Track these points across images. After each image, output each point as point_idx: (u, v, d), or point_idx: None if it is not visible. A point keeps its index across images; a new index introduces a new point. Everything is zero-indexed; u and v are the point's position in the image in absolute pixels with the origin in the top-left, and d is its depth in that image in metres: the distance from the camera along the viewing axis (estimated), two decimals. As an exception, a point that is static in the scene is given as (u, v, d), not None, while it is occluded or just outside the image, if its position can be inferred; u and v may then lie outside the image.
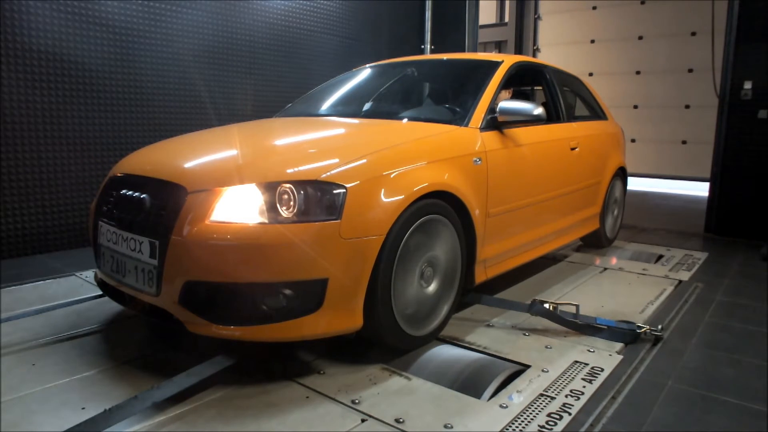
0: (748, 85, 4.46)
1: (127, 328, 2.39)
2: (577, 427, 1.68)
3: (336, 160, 1.98)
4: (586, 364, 2.09)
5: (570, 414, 1.74)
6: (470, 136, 2.51)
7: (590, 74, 8.65)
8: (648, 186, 8.09)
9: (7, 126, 3.41)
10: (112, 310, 2.56)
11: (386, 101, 3.26)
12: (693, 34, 7.72)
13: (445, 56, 3.41)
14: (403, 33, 6.40)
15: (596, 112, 4.08)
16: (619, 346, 2.27)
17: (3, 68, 3.36)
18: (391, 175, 2.02)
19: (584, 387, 1.91)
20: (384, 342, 2.07)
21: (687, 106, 7.95)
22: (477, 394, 1.86)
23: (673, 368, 2.12)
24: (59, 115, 3.63)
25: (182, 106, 4.32)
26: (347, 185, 1.89)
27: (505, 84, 2.94)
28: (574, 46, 8.90)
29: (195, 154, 2.26)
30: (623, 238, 4.50)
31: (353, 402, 1.78)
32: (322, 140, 2.47)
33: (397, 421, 1.67)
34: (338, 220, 1.83)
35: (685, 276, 3.40)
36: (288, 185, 1.85)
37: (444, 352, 2.20)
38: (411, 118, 2.71)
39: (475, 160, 2.44)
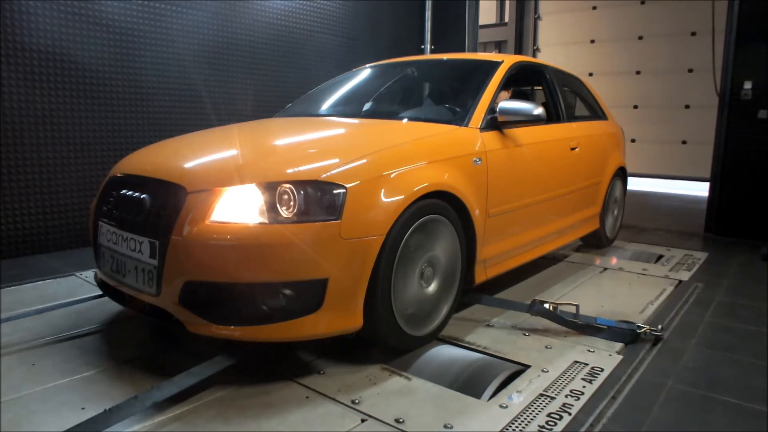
0: (748, 85, 4.46)
1: (127, 328, 2.39)
2: (577, 427, 1.68)
3: (336, 160, 1.98)
4: (586, 364, 2.09)
5: (570, 414, 1.74)
6: (470, 136, 2.51)
7: (590, 74, 8.64)
8: (648, 186, 8.09)
9: (7, 126, 3.41)
10: (112, 310, 2.56)
11: (386, 101, 3.26)
12: (693, 34, 7.72)
13: (445, 56, 3.41)
14: (403, 33, 6.40)
15: (596, 112, 4.08)
16: (619, 346, 2.27)
17: (3, 68, 3.36)
18: (391, 175, 2.02)
19: (584, 387, 1.91)
20: (384, 342, 2.07)
21: (687, 106, 7.95)
22: (477, 394, 1.86)
23: (673, 368, 2.12)
24: (59, 116, 3.64)
25: (182, 106, 4.32)
26: (347, 185, 1.89)
27: (505, 84, 2.94)
28: (574, 46, 8.89)
29: (195, 155, 2.26)
30: (623, 238, 4.50)
31: (353, 402, 1.78)
32: (322, 140, 2.47)
33: (397, 421, 1.67)
34: (338, 220, 1.83)
35: (685, 276, 3.40)
36: (288, 185, 1.84)
37: (444, 352, 2.20)
38: (411, 118, 2.71)
39: (475, 160, 2.44)
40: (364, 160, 2.02)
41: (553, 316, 2.39)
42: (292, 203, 1.83)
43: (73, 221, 3.79)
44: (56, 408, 1.73)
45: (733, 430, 1.71)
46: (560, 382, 1.95)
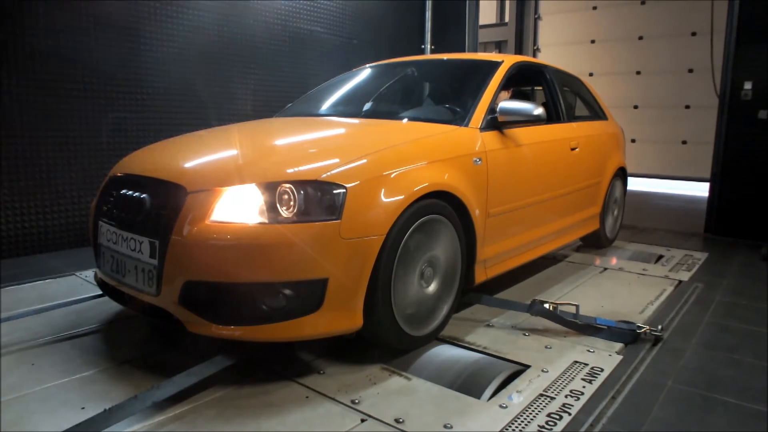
0: (748, 86, 4.46)
1: (127, 328, 2.39)
2: (577, 427, 1.68)
3: (336, 160, 1.98)
4: (586, 364, 2.09)
5: (570, 414, 1.74)
6: (470, 136, 2.51)
7: (590, 74, 8.65)
8: (648, 186, 8.09)
9: (7, 126, 3.41)
10: (112, 310, 2.56)
11: (386, 101, 3.26)
12: (693, 34, 7.72)
13: (445, 56, 3.41)
14: (403, 33, 6.40)
15: (596, 112, 4.08)
16: (619, 346, 2.27)
17: (3, 68, 3.35)
18: (392, 175, 2.02)
19: (584, 387, 1.91)
20: (384, 342, 2.07)
21: (687, 107, 7.95)
22: (477, 394, 1.86)
23: (673, 368, 2.12)
24: (59, 115, 3.63)
25: (182, 106, 4.32)
26: (347, 185, 1.89)
27: (505, 84, 2.94)
28: (574, 46, 8.90)
29: (195, 154, 2.26)
30: (623, 238, 4.50)
31: (353, 402, 1.78)
32: (322, 140, 2.47)
33: (397, 421, 1.67)
34: (338, 220, 1.83)
35: (685, 276, 3.40)
36: (288, 185, 1.84)
37: (444, 352, 2.20)
38: (411, 118, 2.71)
39: (475, 160, 2.44)
40: (364, 160, 2.02)
41: (553, 316, 2.39)
42: (292, 203, 1.83)
43: (73, 221, 3.79)
44: (56, 408, 1.73)
45: (733, 430, 1.71)
46: (560, 382, 1.95)
